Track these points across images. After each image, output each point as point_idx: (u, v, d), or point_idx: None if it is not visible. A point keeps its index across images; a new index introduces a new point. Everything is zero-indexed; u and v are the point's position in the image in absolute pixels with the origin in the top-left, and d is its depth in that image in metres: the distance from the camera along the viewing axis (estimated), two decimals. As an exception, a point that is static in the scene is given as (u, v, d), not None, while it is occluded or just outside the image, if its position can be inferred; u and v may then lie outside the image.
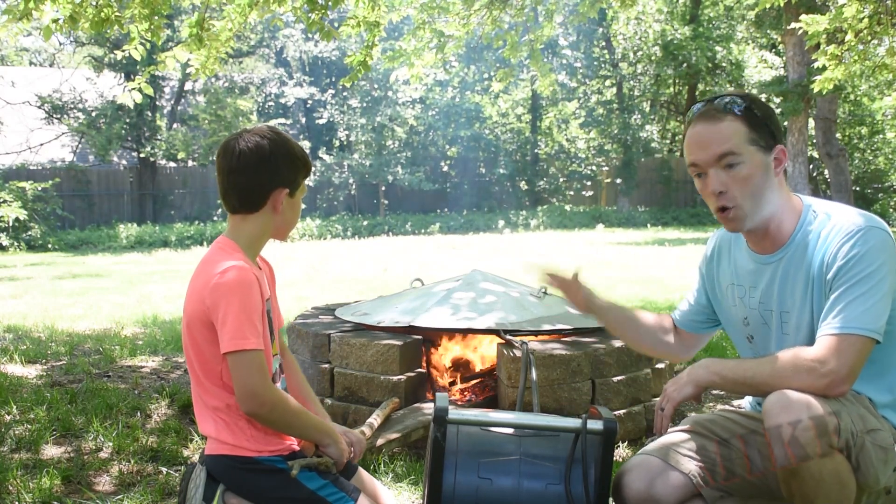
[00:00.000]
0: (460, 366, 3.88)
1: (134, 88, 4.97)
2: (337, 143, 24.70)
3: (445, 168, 25.04)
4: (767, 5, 6.15)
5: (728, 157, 1.82)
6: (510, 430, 1.94)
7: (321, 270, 11.33)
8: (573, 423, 1.89)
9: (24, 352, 5.09)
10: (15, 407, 3.74)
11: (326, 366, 3.60)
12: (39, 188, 17.75)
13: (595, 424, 1.87)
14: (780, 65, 23.15)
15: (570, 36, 25.43)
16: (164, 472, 2.98)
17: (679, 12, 24.21)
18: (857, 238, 1.75)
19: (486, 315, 3.56)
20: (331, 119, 24.49)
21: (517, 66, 19.99)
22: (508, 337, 3.42)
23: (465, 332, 3.65)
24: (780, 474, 1.69)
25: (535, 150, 25.62)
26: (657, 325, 2.21)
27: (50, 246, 17.34)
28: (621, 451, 3.30)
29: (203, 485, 1.89)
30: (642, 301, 7.50)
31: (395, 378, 3.39)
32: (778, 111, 15.58)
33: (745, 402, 2.19)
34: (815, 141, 17.91)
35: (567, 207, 24.30)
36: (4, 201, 16.40)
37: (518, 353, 3.25)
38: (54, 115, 21.11)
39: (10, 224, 16.55)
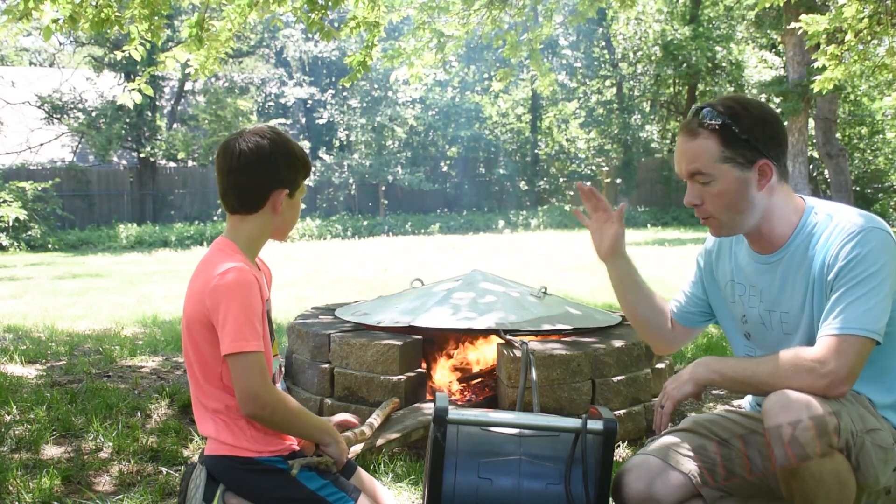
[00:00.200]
0: (460, 366, 3.88)
1: (134, 89, 4.98)
2: (337, 143, 24.70)
3: (445, 168, 25.04)
4: (767, 5, 6.15)
5: (697, 176, 1.85)
6: (510, 430, 1.94)
7: (321, 270, 11.33)
8: (573, 423, 1.89)
9: (24, 352, 5.09)
10: (15, 407, 3.74)
11: (326, 366, 3.60)
12: (39, 188, 17.75)
13: (595, 424, 1.87)
14: (780, 65, 23.14)
15: (570, 36, 25.44)
16: (164, 472, 2.98)
17: (679, 12, 24.20)
18: (858, 239, 1.75)
19: (486, 315, 3.56)
20: (331, 119, 24.50)
21: (517, 66, 19.99)
22: (508, 337, 3.42)
23: (465, 332, 3.65)
24: (780, 474, 1.69)
25: (535, 150, 25.62)
26: (660, 308, 2.18)
27: (50, 246, 17.34)
28: (621, 451, 3.30)
29: (203, 485, 1.89)
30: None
31: (395, 378, 3.39)
32: (778, 111, 15.56)
33: (746, 402, 2.19)
34: (815, 141, 17.91)
35: (567, 207, 24.29)
36: (4, 201, 16.40)
37: (518, 353, 3.25)
38: (54, 115, 21.11)
39: (10, 224, 16.55)
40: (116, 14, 4.40)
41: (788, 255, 1.88)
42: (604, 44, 25.42)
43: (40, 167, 20.69)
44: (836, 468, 1.64)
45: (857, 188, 22.57)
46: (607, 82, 25.77)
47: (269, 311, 2.02)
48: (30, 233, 17.35)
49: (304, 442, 2.01)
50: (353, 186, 23.63)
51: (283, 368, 2.14)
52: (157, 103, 22.06)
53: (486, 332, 3.61)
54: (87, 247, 17.82)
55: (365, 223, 21.46)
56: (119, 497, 2.74)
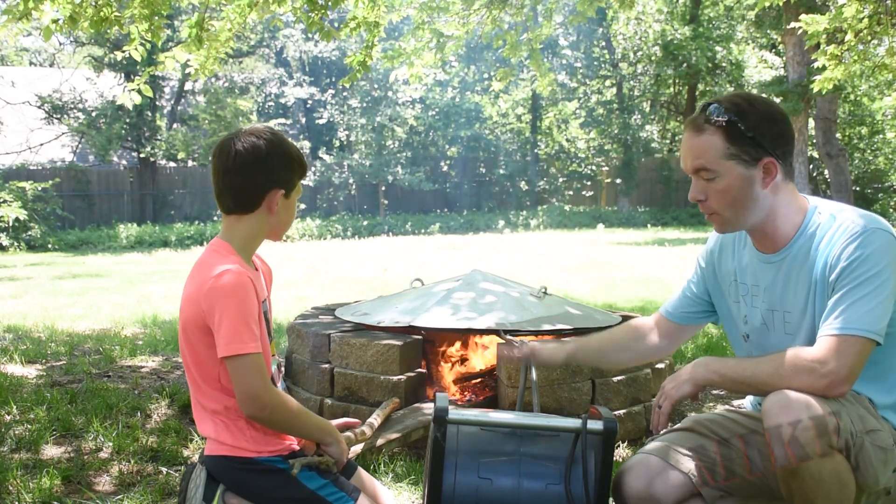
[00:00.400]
0: (460, 366, 3.88)
1: (133, 89, 4.98)
2: (337, 143, 24.70)
3: (445, 168, 25.05)
4: (767, 5, 6.15)
5: (701, 172, 1.85)
6: (510, 431, 1.94)
7: (321, 270, 11.33)
8: (573, 423, 1.89)
9: (24, 352, 5.09)
10: (15, 407, 3.74)
11: (326, 366, 3.60)
12: (39, 188, 17.74)
13: (595, 424, 1.87)
14: (780, 65, 23.14)
15: (570, 36, 25.44)
16: (164, 472, 2.98)
17: (679, 12, 24.20)
18: (860, 240, 1.75)
19: (486, 315, 3.56)
20: (331, 119, 24.51)
21: (517, 66, 20.00)
22: (508, 337, 3.41)
23: (465, 332, 3.65)
24: (780, 474, 1.69)
25: (535, 150, 25.63)
26: (630, 338, 2.21)
27: (50, 246, 17.34)
28: (621, 451, 3.31)
29: (203, 485, 1.89)
30: (642, 301, 7.50)
31: (395, 378, 3.39)
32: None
33: (746, 402, 2.19)
34: (815, 141, 17.91)
35: (567, 207, 24.30)
36: (4, 201, 16.39)
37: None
38: (54, 115, 21.10)
39: (10, 224, 16.54)
40: (116, 14, 4.40)
41: (791, 255, 1.88)
42: (604, 44, 25.42)
43: (40, 167, 20.68)
44: (836, 468, 1.64)
45: (857, 188, 22.57)
46: (607, 82, 25.77)
47: (268, 311, 2.01)
48: (30, 233, 17.35)
49: (304, 441, 2.01)
50: (353, 186, 23.63)
51: (282, 368, 2.13)
52: (157, 103, 22.06)
53: (486, 332, 3.61)
54: (87, 247, 17.82)
55: (365, 223, 21.46)
56: (119, 497, 2.74)
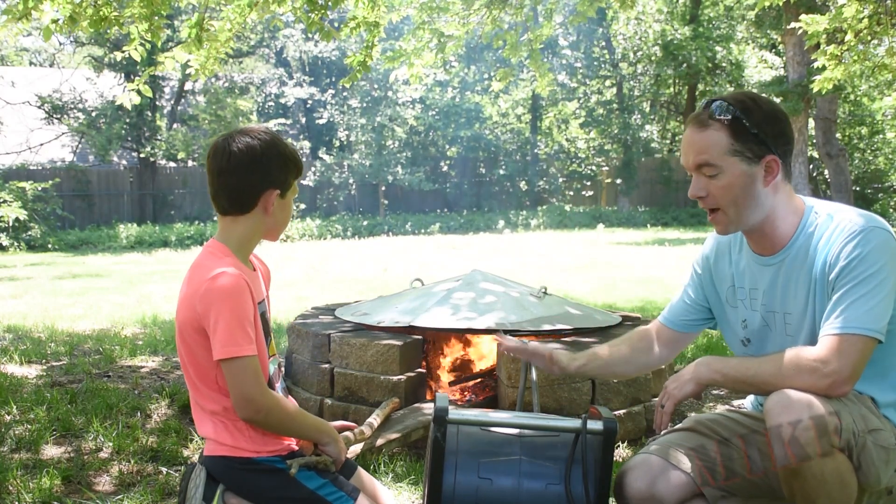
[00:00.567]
0: (460, 366, 3.88)
1: (133, 90, 4.97)
2: (337, 143, 24.70)
3: (445, 168, 25.05)
4: (767, 4, 6.14)
5: (705, 168, 1.84)
6: (510, 431, 1.94)
7: (321, 270, 11.33)
8: (573, 423, 1.89)
9: (24, 352, 5.09)
10: (15, 407, 3.74)
11: (326, 366, 3.60)
12: (39, 188, 17.74)
13: (595, 424, 1.87)
14: (780, 65, 23.15)
15: (570, 36, 25.44)
16: (164, 472, 2.98)
17: (679, 12, 24.20)
18: (859, 239, 1.75)
19: (486, 315, 3.56)
20: (331, 119, 24.50)
21: (517, 66, 20.00)
22: (508, 337, 3.41)
23: (465, 332, 3.65)
24: (782, 474, 1.69)
25: (535, 150, 25.62)
26: (635, 350, 2.18)
27: (50, 246, 17.33)
28: (621, 451, 3.30)
29: (203, 485, 1.89)
30: (642, 301, 7.50)
31: (395, 378, 3.39)
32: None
33: (747, 402, 2.19)
34: (815, 141, 17.92)
35: (567, 207, 24.30)
36: (4, 201, 16.39)
37: (518, 353, 3.24)
38: (54, 115, 21.10)
39: (10, 224, 16.54)
40: (116, 14, 4.40)
41: (790, 256, 1.88)
42: (604, 44, 25.41)
43: (40, 167, 20.68)
44: (838, 468, 1.64)
45: (857, 188, 22.58)
46: (607, 82, 25.77)
47: (266, 311, 2.01)
48: (30, 233, 17.35)
49: (302, 441, 2.01)
50: (353, 186, 23.63)
51: (282, 368, 2.13)
52: (157, 103, 22.06)
53: (486, 332, 3.61)
54: (87, 247, 17.81)
55: (365, 223, 21.46)
56: (119, 497, 2.74)
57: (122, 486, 2.88)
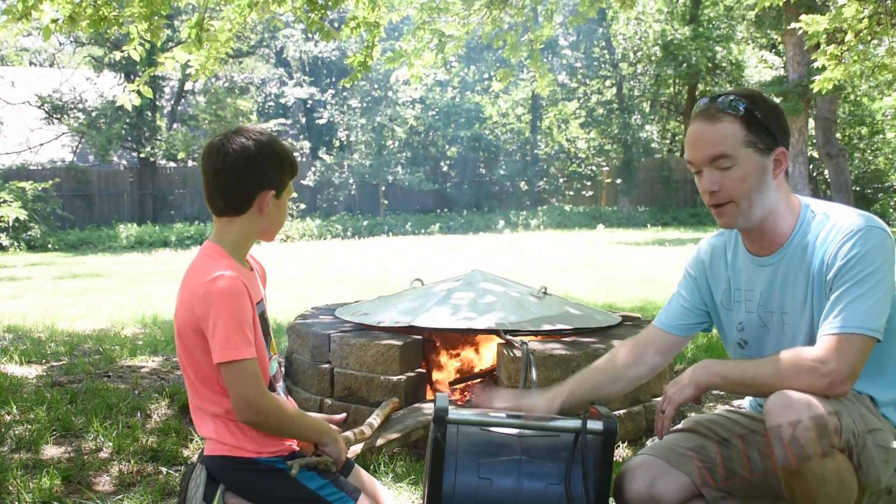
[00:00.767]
0: (460, 366, 3.88)
1: (133, 90, 4.98)
2: (337, 143, 24.70)
3: (445, 168, 25.05)
4: (767, 5, 6.15)
5: (721, 160, 1.81)
6: (510, 431, 1.94)
7: (321, 270, 11.33)
8: (573, 423, 1.89)
9: (24, 352, 5.09)
10: (15, 407, 3.74)
11: (326, 366, 3.60)
12: (39, 188, 17.74)
13: (595, 424, 1.87)
14: (780, 65, 23.16)
15: (570, 36, 25.44)
16: (164, 472, 2.98)
17: (679, 12, 24.21)
18: (856, 238, 1.76)
19: (486, 315, 3.56)
20: (331, 119, 24.50)
21: (517, 66, 20.00)
22: (508, 337, 3.42)
23: (465, 332, 3.65)
24: (782, 474, 1.69)
25: (535, 150, 25.63)
26: (622, 366, 2.08)
27: (50, 246, 17.34)
28: (621, 451, 3.30)
29: (203, 484, 1.89)
30: (642, 301, 7.50)
31: (395, 378, 3.39)
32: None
33: (745, 402, 2.19)
34: (815, 141, 17.92)
35: (567, 207, 24.30)
36: (4, 201, 16.40)
37: (518, 353, 3.25)
38: (54, 115, 21.10)
39: (10, 224, 16.54)
40: (115, 14, 4.40)
41: (788, 256, 1.88)
42: (604, 44, 25.42)
43: (40, 167, 20.68)
44: (838, 468, 1.64)
45: (857, 188, 22.58)
46: (607, 82, 25.78)
47: (264, 311, 2.01)
48: (30, 233, 17.35)
49: (303, 442, 2.01)
50: (353, 186, 23.62)
51: (282, 368, 2.13)
52: (158, 103, 22.06)
53: (486, 332, 3.61)
54: (87, 247, 17.82)
55: (365, 223, 21.46)
56: (119, 497, 2.74)
57: (122, 486, 2.88)
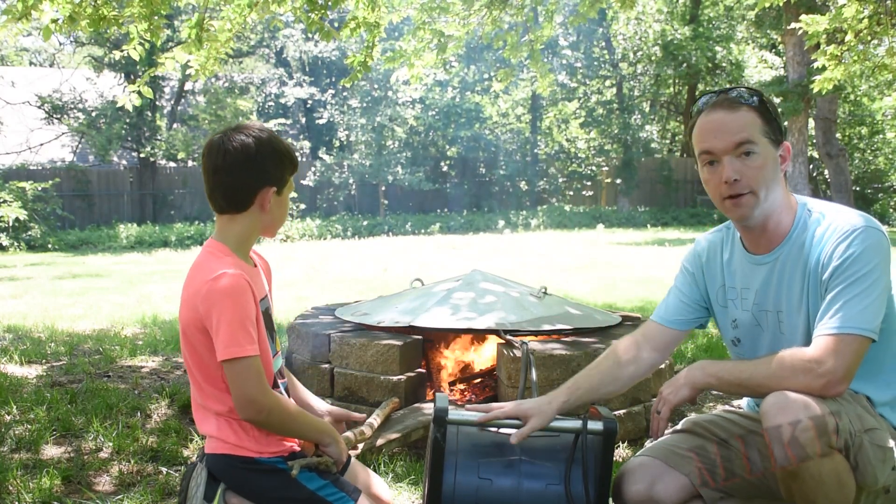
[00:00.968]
0: (460, 366, 3.88)
1: (133, 91, 4.98)
2: (337, 143, 24.70)
3: (445, 168, 25.05)
4: (767, 5, 6.15)
5: (746, 146, 1.81)
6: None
7: (321, 270, 11.33)
8: (573, 423, 1.89)
9: (24, 352, 5.09)
10: (15, 407, 3.74)
11: (326, 366, 3.60)
12: (39, 188, 17.74)
13: (595, 425, 1.87)
14: (780, 65, 23.16)
15: (570, 36, 25.44)
16: (164, 472, 2.98)
17: (679, 12, 24.21)
18: (852, 238, 1.76)
19: (486, 315, 3.56)
20: (331, 119, 24.50)
21: (517, 66, 20.01)
22: (508, 337, 3.42)
23: (465, 332, 3.65)
24: (780, 475, 1.69)
25: (535, 150, 25.63)
26: (616, 366, 2.06)
27: (50, 246, 17.34)
28: (621, 452, 3.31)
29: (204, 484, 1.89)
30: (642, 301, 7.50)
31: (395, 378, 3.39)
32: (778, 111, 15.54)
33: (744, 403, 2.19)
34: (815, 141, 17.92)
35: (567, 207, 24.31)
36: (4, 201, 16.39)
37: (518, 353, 3.25)
38: (54, 115, 21.10)
39: (10, 224, 16.54)
40: (115, 14, 4.40)
41: (784, 254, 1.88)
42: (604, 44, 25.42)
43: (40, 167, 20.68)
44: (836, 468, 1.64)
45: (857, 188, 22.58)
46: (607, 82, 25.78)
47: (269, 307, 2.01)
48: (30, 233, 17.35)
49: (303, 442, 2.01)
50: (353, 186, 23.62)
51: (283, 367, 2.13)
52: (157, 103, 22.06)
53: (486, 332, 3.61)
54: (87, 247, 17.82)
55: (365, 223, 21.45)
56: (119, 497, 2.74)
57: (122, 486, 2.88)
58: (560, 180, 25.50)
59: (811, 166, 21.00)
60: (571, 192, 25.57)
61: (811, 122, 17.77)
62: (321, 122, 24.81)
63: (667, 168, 25.31)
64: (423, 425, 3.15)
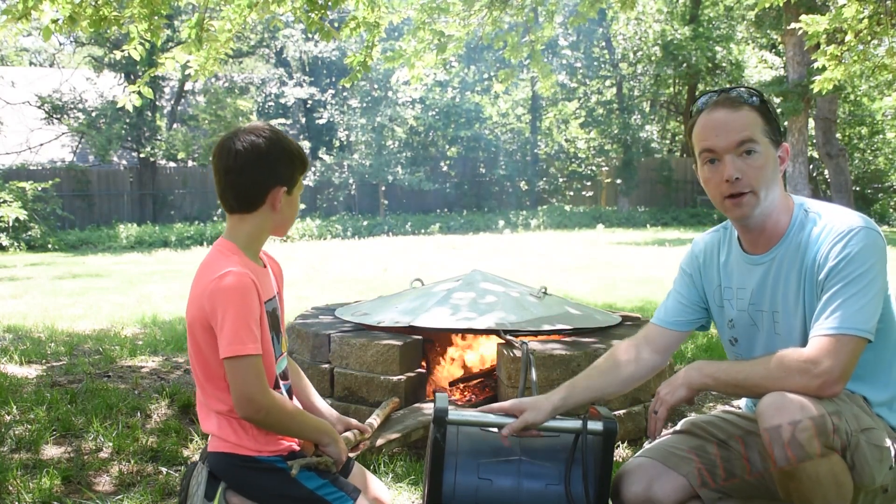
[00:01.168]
0: (460, 366, 3.88)
1: (134, 91, 4.98)
2: (337, 143, 24.70)
3: (445, 168, 25.05)
4: (767, 5, 6.15)
5: (747, 144, 1.81)
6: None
7: (321, 270, 11.33)
8: (573, 423, 1.89)
9: (24, 352, 5.09)
10: (15, 407, 3.74)
11: (326, 366, 3.60)
12: (39, 188, 17.74)
13: (595, 425, 1.87)
14: (780, 65, 23.16)
15: (570, 36, 25.45)
16: (164, 472, 2.98)
17: (679, 12, 24.21)
18: (848, 238, 1.76)
19: (486, 315, 3.56)
20: (331, 119, 24.50)
21: (518, 67, 20.00)
22: (508, 337, 3.42)
23: (465, 332, 3.66)
24: (777, 476, 1.69)
25: (535, 150, 25.63)
26: (616, 365, 2.06)
27: (50, 246, 17.34)
28: (621, 451, 3.31)
29: (205, 482, 1.90)
30: (642, 301, 7.50)
31: (395, 378, 3.39)
32: (778, 111, 15.54)
33: (742, 403, 2.19)
34: (815, 141, 17.92)
35: (567, 207, 24.31)
36: (4, 201, 16.40)
37: (518, 353, 3.25)
38: (54, 115, 21.11)
39: (10, 224, 16.55)
40: (115, 14, 4.40)
41: (781, 255, 1.88)
42: (604, 44, 25.43)
43: (40, 167, 20.69)
44: (833, 468, 1.64)
45: (857, 188, 22.58)
46: (607, 82, 25.79)
47: (276, 308, 2.01)
48: (30, 233, 17.35)
49: (303, 442, 2.01)
50: (353, 186, 23.63)
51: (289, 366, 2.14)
52: (157, 103, 22.06)
53: (486, 332, 3.61)
54: (87, 247, 17.82)
55: (365, 223, 21.46)
56: (119, 497, 2.74)
57: (122, 486, 2.88)
58: (560, 180, 25.52)
59: (811, 166, 21.00)
60: (571, 193, 25.58)
61: (811, 122, 17.77)
62: (321, 122, 24.81)
63: (667, 168, 25.31)
64: (423, 425, 3.15)
